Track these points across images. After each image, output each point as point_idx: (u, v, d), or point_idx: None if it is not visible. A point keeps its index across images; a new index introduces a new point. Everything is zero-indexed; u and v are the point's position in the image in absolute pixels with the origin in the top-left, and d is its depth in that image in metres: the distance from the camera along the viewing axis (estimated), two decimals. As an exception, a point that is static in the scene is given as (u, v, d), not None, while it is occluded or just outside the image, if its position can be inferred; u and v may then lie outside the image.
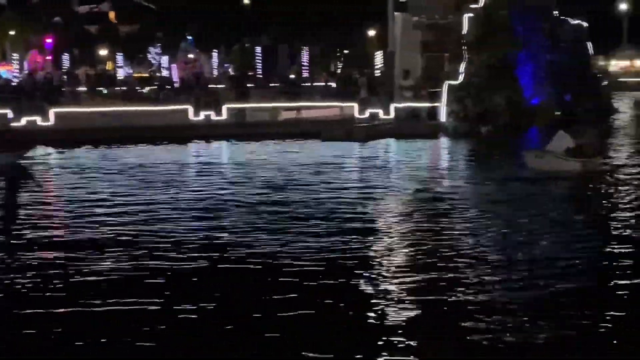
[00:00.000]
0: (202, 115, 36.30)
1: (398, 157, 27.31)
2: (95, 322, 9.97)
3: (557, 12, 44.25)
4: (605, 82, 49.69)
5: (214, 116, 36.67)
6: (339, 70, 58.60)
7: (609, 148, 27.63)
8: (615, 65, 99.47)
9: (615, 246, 13.46)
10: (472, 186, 20.28)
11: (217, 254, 13.12)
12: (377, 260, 12.57)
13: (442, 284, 11.14)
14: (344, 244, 13.56)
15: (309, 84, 47.61)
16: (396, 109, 36.57)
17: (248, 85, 45.24)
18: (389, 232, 14.66)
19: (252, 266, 12.34)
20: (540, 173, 21.72)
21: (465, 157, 27.50)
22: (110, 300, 10.68)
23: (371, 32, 61.45)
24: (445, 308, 10.14)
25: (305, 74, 50.07)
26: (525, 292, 10.68)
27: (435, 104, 36.69)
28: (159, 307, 10.41)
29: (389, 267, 12.17)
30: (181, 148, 30.90)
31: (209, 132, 34.50)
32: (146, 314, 10.15)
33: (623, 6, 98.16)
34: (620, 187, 20.13)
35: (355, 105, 37.42)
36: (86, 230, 15.36)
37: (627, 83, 67.10)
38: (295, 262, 12.39)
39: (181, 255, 13.08)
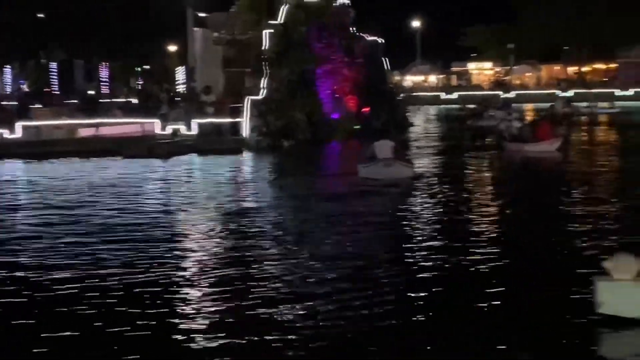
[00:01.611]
0: (-7, 133, 34.59)
1: (200, 173, 26.99)
2: None
3: (354, 28, 45.47)
4: (401, 97, 51.56)
5: (7, 134, 34.97)
6: (139, 86, 57.61)
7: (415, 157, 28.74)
8: (410, 80, 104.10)
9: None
10: (275, 200, 20.28)
11: None
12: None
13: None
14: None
15: (109, 100, 46.50)
16: (198, 125, 36.26)
17: (36, 103, 43.43)
18: (176, 245, 14.31)
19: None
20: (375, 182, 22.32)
21: (269, 171, 27.54)
22: None
23: (172, 48, 60.88)
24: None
25: (105, 90, 48.83)
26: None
27: (238, 120, 36.67)
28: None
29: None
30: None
31: (1, 151, 32.85)
32: None
33: (416, 24, 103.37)
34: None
35: (157, 122, 36.82)
36: None
37: (421, 97, 69.96)
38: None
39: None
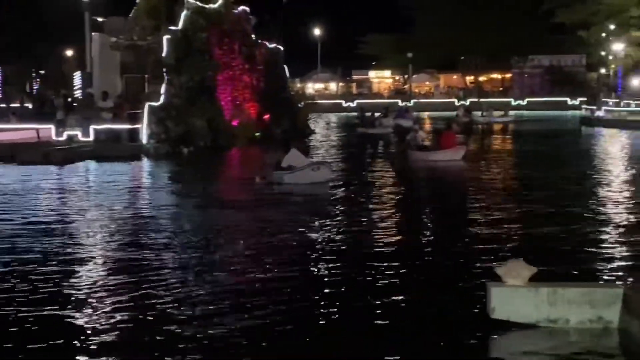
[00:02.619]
0: None
1: (96, 180, 26.34)
2: None
3: (254, 35, 45.42)
4: (302, 104, 51.79)
5: None
6: (34, 91, 56.08)
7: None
8: (311, 87, 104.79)
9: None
10: (172, 208, 19.95)
11: None
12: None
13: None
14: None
15: (4, 105, 45.07)
16: (95, 131, 35.45)
17: None
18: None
19: None
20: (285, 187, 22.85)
21: (167, 178, 27.12)
22: None
23: (69, 52, 59.52)
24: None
25: (-2, 95, 47.32)
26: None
27: (136, 126, 36.03)
28: None
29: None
30: None
31: None
32: None
33: (317, 32, 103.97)
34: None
35: (53, 127, 35.85)
36: None
37: (322, 105, 70.45)
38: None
39: None
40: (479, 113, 65.34)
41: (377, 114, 53.64)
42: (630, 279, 10.98)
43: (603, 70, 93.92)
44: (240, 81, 42.35)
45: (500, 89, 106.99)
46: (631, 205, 18.91)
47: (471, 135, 47.12)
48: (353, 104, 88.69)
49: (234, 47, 42.03)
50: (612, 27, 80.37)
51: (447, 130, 33.86)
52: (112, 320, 10.00)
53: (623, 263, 12.93)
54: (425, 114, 74.05)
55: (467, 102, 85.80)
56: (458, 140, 33.14)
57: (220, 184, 26.11)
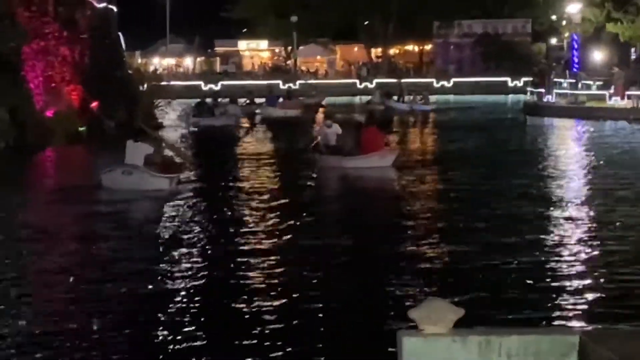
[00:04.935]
0: None
1: None
2: None
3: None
4: (145, 87, 51.50)
5: None
6: None
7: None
8: (158, 64, 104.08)
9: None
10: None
11: None
12: None
13: None
14: None
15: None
16: None
17: None
18: None
19: None
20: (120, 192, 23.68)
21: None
22: None
23: None
24: None
25: None
26: None
27: None
28: None
29: None
30: None
31: None
32: None
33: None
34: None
35: None
36: None
37: (174, 87, 69.84)
38: None
39: None
40: (396, 98, 66.44)
41: (241, 101, 54.59)
42: (590, 325, 11.30)
43: (554, 41, 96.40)
44: (56, 55, 41.77)
45: (417, 65, 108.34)
46: (589, 229, 19.44)
47: (390, 129, 45.97)
48: (216, 87, 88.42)
49: (47, 8, 41.47)
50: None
51: (369, 125, 32.19)
52: None
53: (579, 302, 13.35)
54: (315, 99, 73.80)
55: (373, 84, 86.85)
56: (385, 140, 31.31)
57: (26, 203, 25.64)
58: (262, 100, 61.49)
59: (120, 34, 49.71)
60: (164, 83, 60.50)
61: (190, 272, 15.69)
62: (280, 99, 62.46)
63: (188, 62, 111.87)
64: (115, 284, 14.86)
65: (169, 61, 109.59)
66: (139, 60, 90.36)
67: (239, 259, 16.61)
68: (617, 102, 53.62)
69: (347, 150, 29.88)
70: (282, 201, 23.78)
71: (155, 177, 24.67)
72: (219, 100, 54.77)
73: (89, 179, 26.32)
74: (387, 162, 29.28)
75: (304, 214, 21.56)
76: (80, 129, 41.25)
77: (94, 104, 43.43)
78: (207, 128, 47.75)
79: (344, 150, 29.99)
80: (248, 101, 60.59)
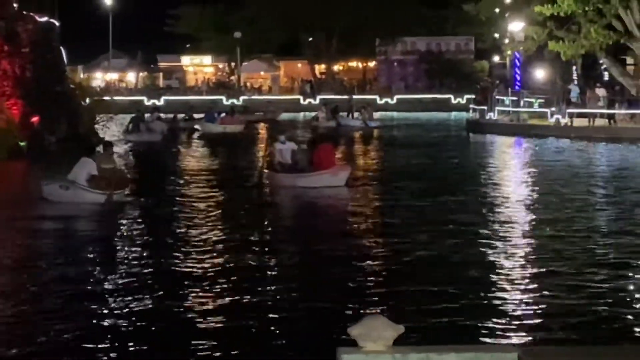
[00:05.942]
0: None
1: None
2: None
3: (17, 5, 44.55)
4: (87, 102, 51.18)
5: None
6: None
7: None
8: (101, 79, 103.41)
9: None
10: None
11: None
12: None
13: None
14: None
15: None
16: None
17: None
18: None
19: None
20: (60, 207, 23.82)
21: None
22: None
23: None
24: None
25: None
26: None
27: None
28: None
29: None
30: None
31: None
32: None
33: (108, 2, 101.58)
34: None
35: None
36: None
37: (117, 103, 69.31)
38: None
39: None
40: (345, 114, 66.46)
41: (178, 117, 54.58)
42: (529, 339, 11.36)
43: (497, 58, 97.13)
44: (-4, 67, 41.40)
45: (361, 82, 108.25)
46: (527, 245, 19.63)
47: (338, 146, 45.64)
48: (159, 102, 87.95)
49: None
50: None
51: (320, 142, 31.79)
52: None
53: (517, 318, 13.43)
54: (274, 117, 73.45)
55: (317, 100, 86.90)
56: (337, 157, 31.23)
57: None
58: (201, 115, 61.66)
59: (62, 48, 49.29)
60: (106, 98, 60.15)
61: (124, 292, 15.49)
62: (222, 115, 62.32)
63: (131, 77, 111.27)
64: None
65: (112, 76, 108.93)
66: (82, 75, 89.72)
67: (177, 277, 16.49)
68: (558, 119, 54.04)
69: (301, 167, 29.57)
70: (223, 219, 23.69)
71: (91, 193, 24.73)
72: (146, 115, 54.67)
73: (29, 193, 26.15)
74: (341, 181, 28.88)
75: (246, 232, 21.50)
76: (21, 143, 40.79)
77: (35, 119, 42.98)
78: (136, 144, 47.79)
79: (298, 166, 29.68)
80: (187, 117, 60.62)
